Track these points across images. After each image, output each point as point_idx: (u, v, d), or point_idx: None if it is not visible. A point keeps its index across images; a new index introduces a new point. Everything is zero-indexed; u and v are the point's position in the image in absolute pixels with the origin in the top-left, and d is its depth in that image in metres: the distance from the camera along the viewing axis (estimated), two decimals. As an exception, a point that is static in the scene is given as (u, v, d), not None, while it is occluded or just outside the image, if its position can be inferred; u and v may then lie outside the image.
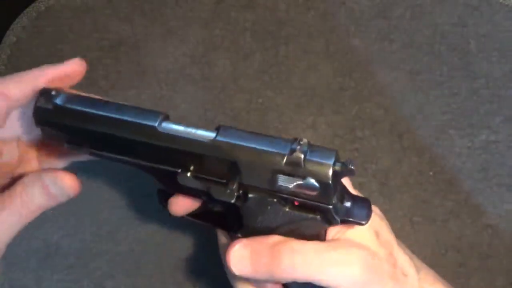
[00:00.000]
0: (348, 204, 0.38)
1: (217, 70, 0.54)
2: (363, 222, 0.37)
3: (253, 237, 0.38)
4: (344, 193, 0.38)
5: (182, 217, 0.42)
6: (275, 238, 0.38)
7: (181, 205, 0.41)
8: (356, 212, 0.38)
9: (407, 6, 0.54)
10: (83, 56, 0.54)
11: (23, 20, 0.54)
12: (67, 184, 0.40)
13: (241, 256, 0.37)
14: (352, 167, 0.35)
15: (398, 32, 0.54)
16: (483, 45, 0.54)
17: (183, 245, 0.53)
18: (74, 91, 0.41)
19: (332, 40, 0.54)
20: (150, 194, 0.47)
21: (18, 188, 0.39)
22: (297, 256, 0.36)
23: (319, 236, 0.38)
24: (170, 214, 0.44)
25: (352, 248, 0.37)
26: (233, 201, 0.37)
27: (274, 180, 0.36)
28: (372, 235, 0.39)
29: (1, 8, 0.61)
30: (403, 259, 0.40)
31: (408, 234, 0.52)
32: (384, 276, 0.37)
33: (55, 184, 0.40)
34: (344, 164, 0.35)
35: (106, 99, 0.39)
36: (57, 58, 0.53)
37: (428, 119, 0.53)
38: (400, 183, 0.53)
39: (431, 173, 0.53)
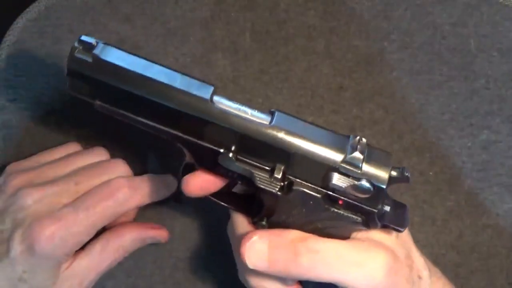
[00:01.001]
0: (387, 208, 0.36)
1: (217, 70, 0.54)
2: (402, 230, 0.36)
3: (272, 229, 0.36)
4: (385, 197, 0.36)
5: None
6: (295, 233, 0.36)
7: (200, 186, 0.38)
8: (395, 218, 0.36)
9: (407, 6, 0.54)
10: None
11: (23, 20, 0.54)
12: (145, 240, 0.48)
13: (258, 249, 0.35)
14: (407, 174, 0.34)
15: (398, 32, 0.54)
16: (483, 45, 0.54)
17: (183, 245, 0.53)
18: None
19: (332, 40, 0.54)
20: (150, 194, 0.47)
21: (98, 246, 0.45)
22: (318, 256, 0.35)
23: (345, 236, 0.36)
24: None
25: (376, 249, 0.36)
26: (275, 191, 0.35)
27: (327, 178, 0.34)
28: (392, 234, 0.38)
29: (1, 8, 0.61)
30: (419, 261, 0.39)
31: (408, 234, 0.52)
32: (403, 280, 0.36)
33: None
34: (400, 171, 0.34)
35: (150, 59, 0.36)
36: (57, 58, 0.53)
37: (428, 119, 0.53)
38: (400, 183, 0.53)
39: (431, 173, 0.53)
